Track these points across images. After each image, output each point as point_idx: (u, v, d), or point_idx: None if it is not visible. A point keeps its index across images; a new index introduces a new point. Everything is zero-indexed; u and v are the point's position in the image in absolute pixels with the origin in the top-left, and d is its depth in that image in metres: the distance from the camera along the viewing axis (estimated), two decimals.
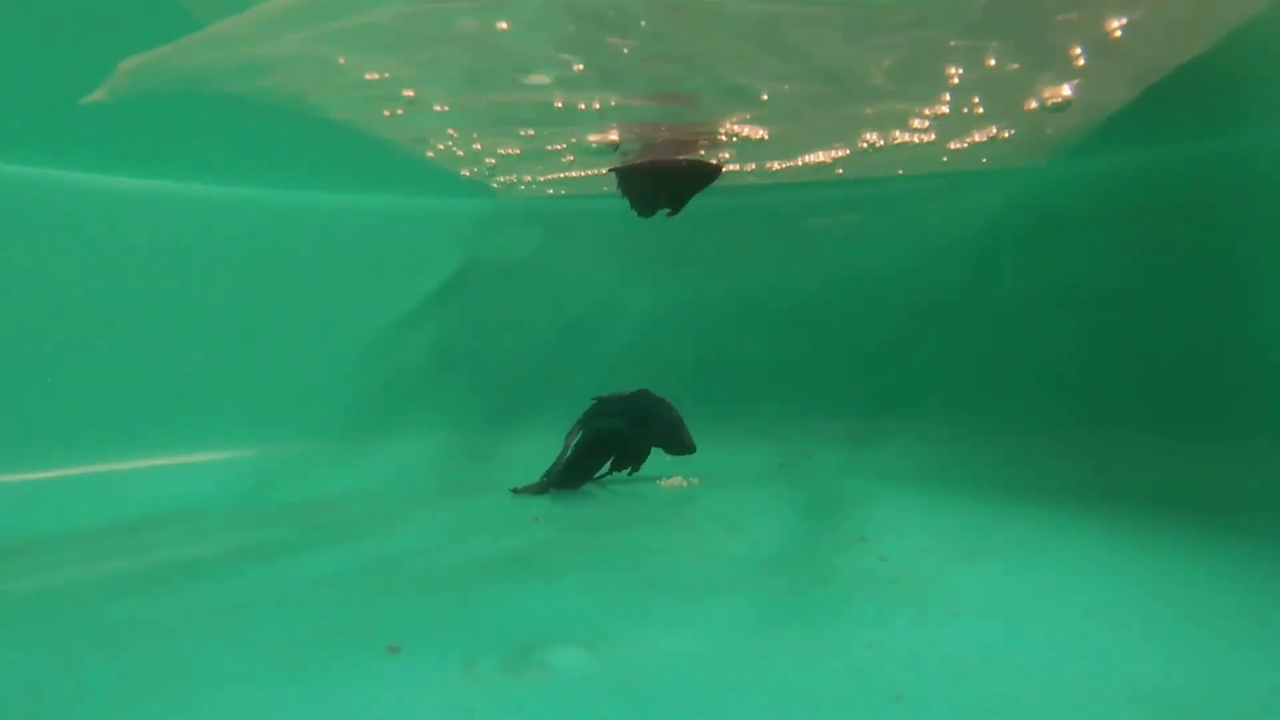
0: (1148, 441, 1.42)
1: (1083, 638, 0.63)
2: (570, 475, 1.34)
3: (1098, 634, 0.64)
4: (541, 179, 1.67)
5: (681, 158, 1.45)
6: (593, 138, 1.44)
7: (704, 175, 1.47)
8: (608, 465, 1.38)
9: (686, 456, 1.38)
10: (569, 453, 1.34)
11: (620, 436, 1.35)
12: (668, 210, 1.48)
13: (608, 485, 1.37)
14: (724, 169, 1.49)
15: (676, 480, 1.38)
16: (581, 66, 1.15)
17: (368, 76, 1.16)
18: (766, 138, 1.45)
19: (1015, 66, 1.17)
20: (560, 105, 1.29)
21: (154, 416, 1.50)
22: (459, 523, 1.14)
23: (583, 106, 1.29)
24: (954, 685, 0.55)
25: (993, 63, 1.15)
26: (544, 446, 1.43)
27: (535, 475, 1.35)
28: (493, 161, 1.56)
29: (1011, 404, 1.63)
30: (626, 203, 1.62)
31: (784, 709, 0.53)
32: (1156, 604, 0.70)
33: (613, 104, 1.29)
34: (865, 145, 1.49)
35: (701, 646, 0.63)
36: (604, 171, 1.50)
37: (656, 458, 1.39)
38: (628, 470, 1.39)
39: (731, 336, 1.79)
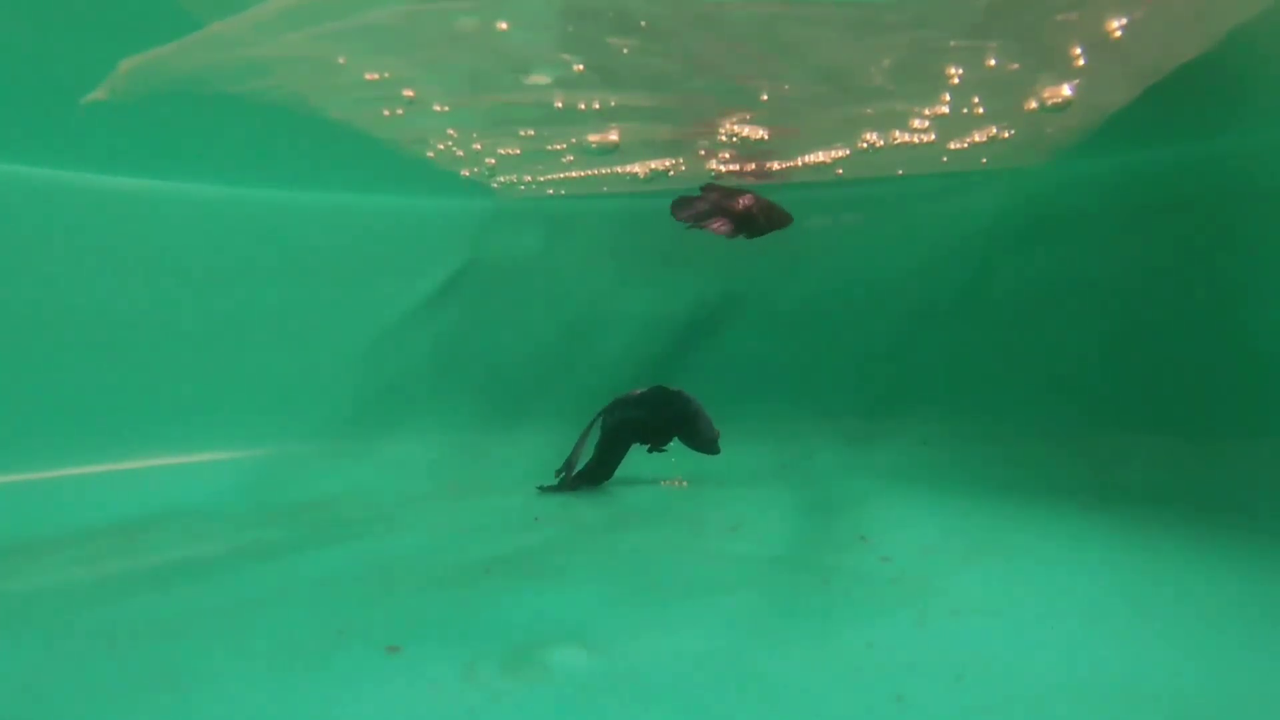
0: (1148, 441, 1.42)
1: (1083, 638, 0.63)
2: (599, 472, 1.34)
3: (1098, 634, 0.64)
4: (541, 179, 1.68)
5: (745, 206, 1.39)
6: (593, 138, 1.44)
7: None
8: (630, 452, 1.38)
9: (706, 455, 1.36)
10: (593, 452, 1.34)
11: (640, 423, 1.35)
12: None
13: (609, 487, 1.37)
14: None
15: (676, 480, 1.38)
16: (581, 66, 1.16)
17: (368, 76, 1.16)
18: (766, 138, 1.45)
19: (1015, 66, 1.17)
20: (560, 105, 1.29)
21: (154, 416, 1.50)
22: (459, 523, 1.14)
23: (582, 106, 1.29)
24: (954, 685, 0.55)
25: (993, 63, 1.15)
26: (544, 446, 1.43)
27: (536, 475, 1.35)
28: (493, 161, 1.57)
29: (1011, 404, 1.63)
30: (626, 203, 1.61)
31: (784, 709, 0.53)
32: (1157, 604, 0.70)
33: (613, 104, 1.29)
34: (865, 145, 1.49)
35: (701, 646, 0.63)
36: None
37: (659, 458, 1.39)
38: (649, 449, 1.37)
39: (731, 336, 1.79)
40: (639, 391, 1.35)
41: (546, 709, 0.53)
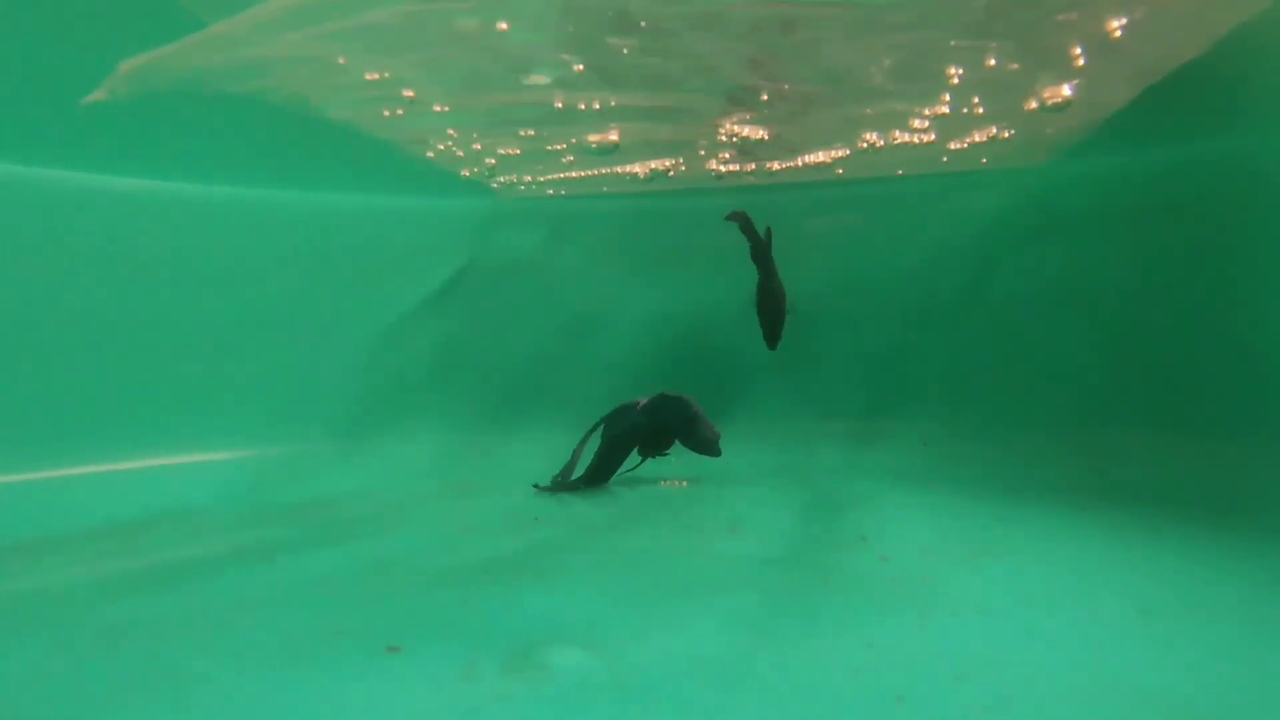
0: (1148, 441, 1.42)
1: (1083, 638, 0.63)
2: (600, 475, 1.34)
3: (1098, 634, 0.64)
4: (541, 179, 1.68)
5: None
6: (593, 138, 1.44)
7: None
8: (635, 459, 1.38)
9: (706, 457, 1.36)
10: (593, 458, 1.34)
11: (640, 429, 1.35)
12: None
13: (609, 487, 1.37)
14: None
15: (676, 480, 1.38)
16: (581, 66, 1.16)
17: (368, 76, 1.16)
18: (766, 138, 1.45)
19: (1015, 66, 1.17)
20: (560, 105, 1.29)
21: (154, 416, 1.50)
22: (459, 523, 1.14)
23: (582, 106, 1.29)
24: (954, 685, 0.55)
25: (993, 63, 1.15)
26: (544, 446, 1.43)
27: (535, 475, 1.35)
28: (493, 161, 1.57)
29: (1012, 404, 1.63)
30: (626, 203, 1.61)
31: (784, 709, 0.53)
32: (1156, 604, 0.70)
33: (613, 104, 1.29)
34: (865, 145, 1.49)
35: (701, 646, 0.63)
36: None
37: (659, 458, 1.39)
38: (648, 457, 1.38)
39: (732, 337, 1.78)
40: (643, 401, 1.35)
41: (546, 709, 0.53)
